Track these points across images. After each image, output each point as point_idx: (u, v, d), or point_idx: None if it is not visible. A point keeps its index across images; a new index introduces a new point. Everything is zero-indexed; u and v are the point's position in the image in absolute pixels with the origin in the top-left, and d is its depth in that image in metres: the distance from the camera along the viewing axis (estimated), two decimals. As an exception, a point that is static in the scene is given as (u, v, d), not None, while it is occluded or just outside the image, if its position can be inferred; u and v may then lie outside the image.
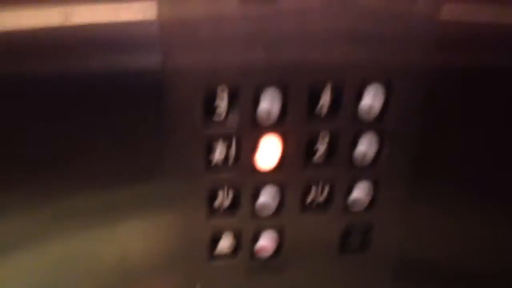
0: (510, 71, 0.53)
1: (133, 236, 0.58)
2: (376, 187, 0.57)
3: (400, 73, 0.51)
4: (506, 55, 0.52)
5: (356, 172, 0.56)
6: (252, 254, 0.60)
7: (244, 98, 0.50)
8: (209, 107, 0.50)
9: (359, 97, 0.51)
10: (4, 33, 0.45)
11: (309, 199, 0.57)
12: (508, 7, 0.50)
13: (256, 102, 0.50)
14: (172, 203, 0.56)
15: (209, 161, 0.53)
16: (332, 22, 0.48)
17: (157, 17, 0.46)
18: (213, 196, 0.56)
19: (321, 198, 0.57)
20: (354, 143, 0.54)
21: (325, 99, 0.51)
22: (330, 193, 0.57)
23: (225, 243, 0.59)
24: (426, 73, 0.51)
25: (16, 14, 0.45)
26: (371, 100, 0.50)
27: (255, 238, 0.59)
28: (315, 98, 0.51)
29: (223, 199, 0.56)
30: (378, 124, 0.53)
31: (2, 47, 0.46)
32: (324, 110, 0.52)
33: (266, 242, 0.59)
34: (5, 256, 0.58)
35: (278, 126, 0.52)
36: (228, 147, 0.53)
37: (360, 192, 0.56)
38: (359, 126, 0.53)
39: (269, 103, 0.49)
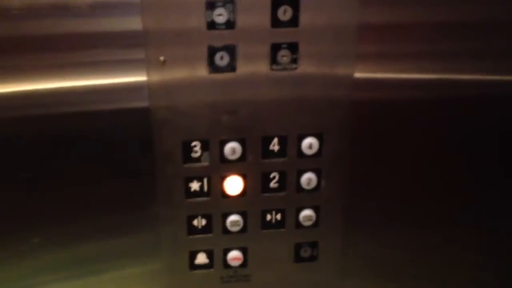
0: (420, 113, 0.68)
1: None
2: (318, 211, 0.71)
3: (328, 126, 0.66)
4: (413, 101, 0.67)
5: (302, 198, 0.70)
6: (225, 264, 0.72)
7: (213, 147, 0.65)
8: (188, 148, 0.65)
9: (299, 145, 0.66)
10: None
11: (267, 219, 0.71)
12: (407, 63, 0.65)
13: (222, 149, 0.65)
14: (158, 226, 0.69)
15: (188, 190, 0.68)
16: (277, 91, 0.63)
17: (147, 82, 0.61)
18: (192, 218, 0.69)
19: (277, 218, 0.71)
20: (298, 178, 0.68)
21: (274, 147, 0.66)
22: (283, 215, 0.71)
23: (202, 256, 0.72)
24: (348, 124, 0.66)
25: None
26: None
27: (227, 251, 0.72)
28: (266, 146, 0.66)
29: (200, 220, 0.70)
30: (315, 163, 0.68)
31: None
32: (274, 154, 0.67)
33: (236, 253, 0.72)
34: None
35: (240, 166, 0.67)
36: (203, 179, 0.67)
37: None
38: (301, 165, 0.68)
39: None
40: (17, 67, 0.59)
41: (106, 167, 0.66)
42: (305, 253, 0.74)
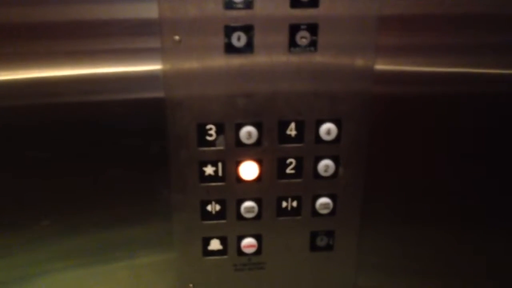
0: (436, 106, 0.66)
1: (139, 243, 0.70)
2: (335, 199, 0.70)
3: (347, 112, 0.64)
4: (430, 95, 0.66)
5: (318, 185, 0.68)
6: (239, 251, 0.71)
7: (228, 130, 0.64)
8: (203, 132, 0.64)
9: (317, 130, 0.65)
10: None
11: (283, 206, 0.69)
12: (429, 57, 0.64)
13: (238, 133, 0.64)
14: (171, 212, 0.68)
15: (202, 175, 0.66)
16: (295, 74, 0.62)
17: (161, 67, 0.60)
18: (206, 203, 0.68)
19: (293, 205, 0.69)
20: (315, 164, 0.67)
21: (291, 132, 0.65)
22: (299, 202, 0.69)
23: (216, 242, 0.71)
24: (367, 112, 0.65)
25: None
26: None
27: (241, 238, 0.71)
28: (283, 131, 0.65)
29: (214, 205, 0.68)
30: (333, 150, 0.66)
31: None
32: (291, 139, 0.65)
33: (251, 240, 0.71)
34: None
35: (256, 150, 0.65)
36: (217, 164, 0.66)
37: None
38: (319, 151, 0.66)
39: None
40: (31, 54, 0.59)
41: (119, 153, 0.65)
42: (321, 242, 0.72)
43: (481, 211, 0.73)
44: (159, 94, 0.61)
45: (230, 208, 0.69)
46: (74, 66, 0.59)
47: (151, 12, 0.58)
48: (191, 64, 0.60)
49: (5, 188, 0.65)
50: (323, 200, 0.69)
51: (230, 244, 0.71)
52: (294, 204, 0.69)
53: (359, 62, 0.62)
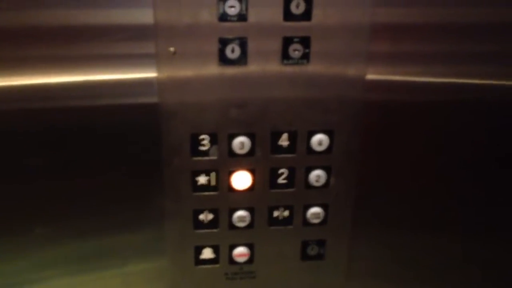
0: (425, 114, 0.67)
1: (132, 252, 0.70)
2: (326, 209, 0.70)
3: (339, 123, 0.65)
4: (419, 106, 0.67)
5: (310, 195, 0.69)
6: (231, 260, 0.72)
7: (222, 140, 0.64)
8: (196, 141, 0.64)
9: (309, 141, 0.66)
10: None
11: (275, 216, 0.70)
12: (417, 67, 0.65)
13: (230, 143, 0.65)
14: (163, 220, 0.68)
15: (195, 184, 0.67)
16: (288, 85, 0.63)
17: (156, 76, 0.61)
18: (198, 212, 0.68)
19: (285, 215, 0.70)
20: (307, 174, 0.68)
21: (283, 143, 0.66)
22: (291, 212, 0.70)
23: (208, 251, 0.71)
24: (359, 122, 0.66)
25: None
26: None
27: (233, 247, 0.71)
28: (276, 141, 0.65)
29: (206, 214, 0.69)
30: (325, 160, 0.67)
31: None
32: (283, 149, 0.66)
33: (242, 249, 0.72)
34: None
35: (248, 160, 0.66)
36: (210, 173, 0.66)
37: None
38: (311, 161, 0.67)
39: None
40: (24, 59, 0.59)
41: (112, 160, 0.65)
42: (312, 251, 0.73)
43: (473, 218, 0.74)
44: (153, 101, 0.62)
45: (222, 217, 0.69)
46: (68, 72, 0.60)
47: (146, 18, 0.58)
48: (185, 73, 0.61)
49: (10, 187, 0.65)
50: (315, 209, 0.70)
51: (222, 253, 0.72)
52: (286, 213, 0.70)
53: (351, 72, 0.63)
